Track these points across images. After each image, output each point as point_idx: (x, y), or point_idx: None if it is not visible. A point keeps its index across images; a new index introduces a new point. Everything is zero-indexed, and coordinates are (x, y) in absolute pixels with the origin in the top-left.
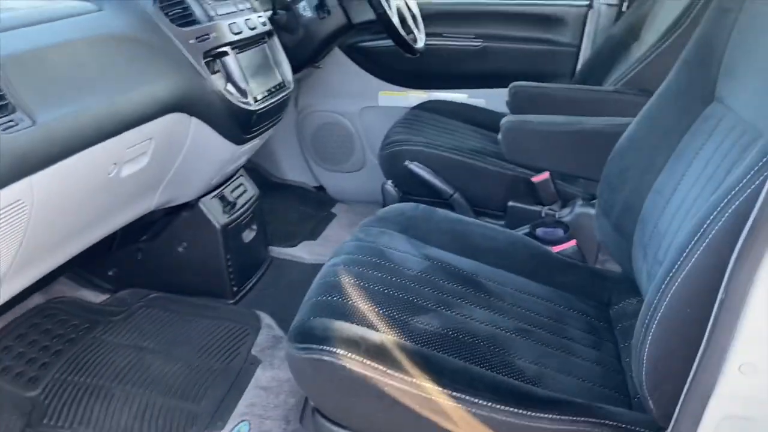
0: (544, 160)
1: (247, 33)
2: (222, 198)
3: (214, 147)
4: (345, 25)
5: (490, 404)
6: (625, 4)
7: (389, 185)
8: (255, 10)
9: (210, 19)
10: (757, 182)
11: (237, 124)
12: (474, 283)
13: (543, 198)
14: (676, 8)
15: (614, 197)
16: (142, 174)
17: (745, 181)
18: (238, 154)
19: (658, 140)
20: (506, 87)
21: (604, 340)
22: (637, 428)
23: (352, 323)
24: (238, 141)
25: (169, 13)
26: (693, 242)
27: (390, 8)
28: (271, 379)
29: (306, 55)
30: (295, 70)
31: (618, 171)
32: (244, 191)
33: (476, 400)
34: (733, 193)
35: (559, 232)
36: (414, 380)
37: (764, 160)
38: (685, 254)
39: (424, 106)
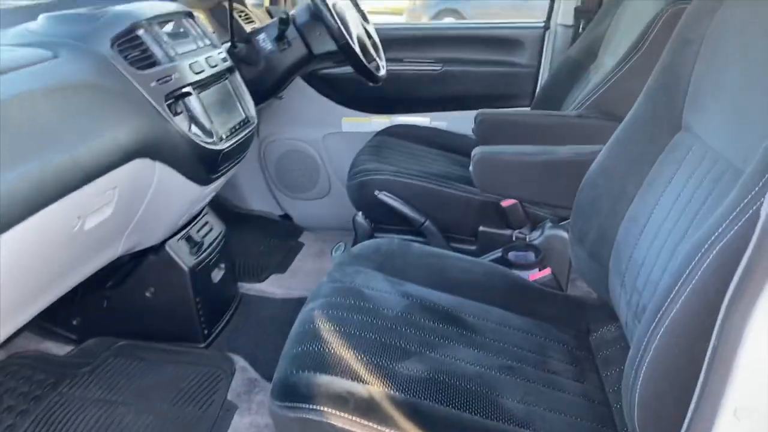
0: (516, 190)
1: (208, 71)
2: (189, 239)
3: (179, 190)
4: (306, 56)
5: None
6: (581, 26)
7: (360, 217)
8: (215, 46)
9: (170, 59)
10: (742, 221)
11: (203, 165)
12: (455, 320)
13: (512, 222)
14: (633, 31)
15: (587, 225)
16: (106, 224)
17: (729, 221)
18: (204, 194)
19: (629, 168)
20: (468, 109)
21: (587, 370)
22: None
23: (337, 376)
24: (205, 182)
25: (128, 56)
26: (679, 284)
27: (351, 38)
28: (249, 425)
29: (268, 88)
30: (257, 102)
31: (590, 199)
32: (211, 229)
33: None
34: (717, 233)
35: (531, 255)
36: None
37: (748, 198)
38: (671, 297)
39: (388, 131)
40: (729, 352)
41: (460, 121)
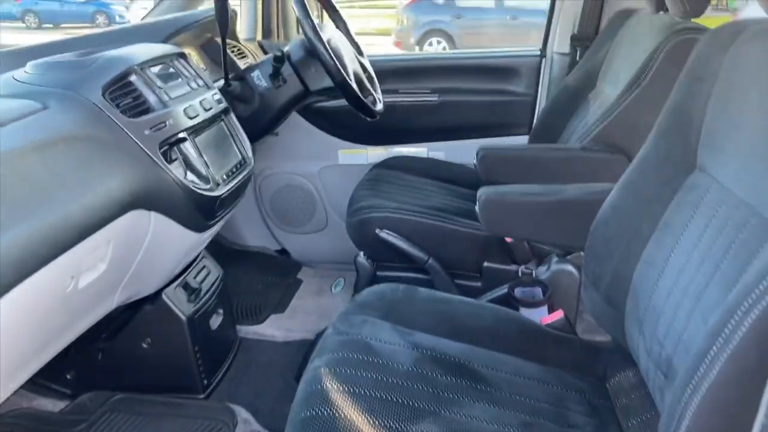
0: (524, 231)
1: (203, 115)
2: (186, 286)
3: (176, 239)
4: (302, 92)
5: None
6: (578, 54)
7: (362, 258)
8: (209, 88)
9: (164, 105)
10: None
11: (200, 212)
12: (468, 372)
13: (518, 257)
14: (633, 60)
15: (602, 268)
16: (100, 280)
17: (766, 283)
18: (201, 240)
19: (642, 209)
20: (465, 139)
21: (607, 422)
22: None
23: None
24: (202, 229)
25: (120, 104)
26: (715, 349)
27: (348, 74)
28: None
29: (263, 125)
30: (253, 140)
31: (603, 241)
32: (208, 273)
33: None
34: (754, 296)
35: (538, 291)
36: None
37: None
38: (706, 362)
39: (386, 164)
40: None
41: (457, 151)
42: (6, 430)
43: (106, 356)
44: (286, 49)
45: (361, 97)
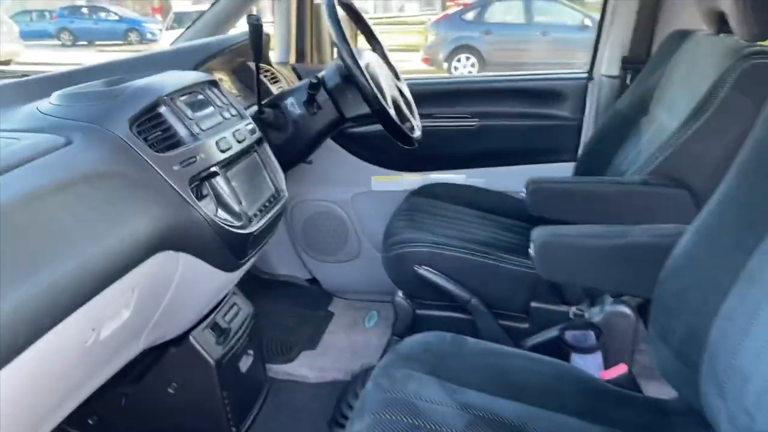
0: (584, 278)
1: (236, 148)
2: (214, 326)
3: (205, 280)
4: (337, 119)
5: None
6: (628, 77)
7: (400, 298)
8: (242, 117)
9: (195, 138)
10: None
11: (231, 251)
12: None
13: (568, 297)
14: (695, 86)
15: (673, 321)
16: (124, 327)
17: None
18: (231, 279)
19: (721, 258)
20: (506, 165)
21: None
22: None
23: None
24: (233, 268)
25: (148, 138)
26: None
27: (386, 101)
28: None
29: (296, 154)
30: (286, 169)
31: (675, 291)
32: (238, 311)
33: None
34: None
35: (591, 335)
36: None
37: None
38: None
39: (422, 192)
40: None
41: (498, 177)
42: None
43: (130, 401)
44: (321, 74)
45: (401, 125)
